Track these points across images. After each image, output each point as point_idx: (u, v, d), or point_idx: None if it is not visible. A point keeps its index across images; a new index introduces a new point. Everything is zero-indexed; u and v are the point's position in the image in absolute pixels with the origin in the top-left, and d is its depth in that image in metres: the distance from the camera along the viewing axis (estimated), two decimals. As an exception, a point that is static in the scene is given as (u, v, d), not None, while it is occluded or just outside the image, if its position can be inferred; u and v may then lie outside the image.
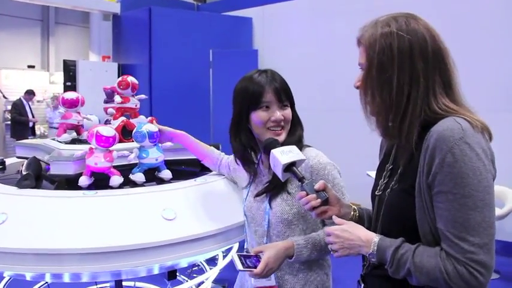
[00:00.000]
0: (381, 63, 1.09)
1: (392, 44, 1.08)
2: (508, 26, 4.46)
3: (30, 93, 9.03)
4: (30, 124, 9.00)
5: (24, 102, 8.85)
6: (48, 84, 11.12)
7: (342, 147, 4.78)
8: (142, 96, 2.21)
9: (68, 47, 11.69)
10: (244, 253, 1.35)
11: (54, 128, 9.01)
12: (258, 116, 1.49)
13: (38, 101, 10.36)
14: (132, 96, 2.14)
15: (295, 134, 1.53)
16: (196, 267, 3.19)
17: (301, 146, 1.51)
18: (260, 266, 1.34)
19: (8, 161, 2.30)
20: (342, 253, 1.16)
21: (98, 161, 1.67)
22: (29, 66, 10.92)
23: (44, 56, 11.58)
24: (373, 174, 4.44)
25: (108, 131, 1.70)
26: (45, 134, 10.04)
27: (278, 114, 1.48)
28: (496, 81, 4.48)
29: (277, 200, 1.49)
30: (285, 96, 1.50)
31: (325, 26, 5.67)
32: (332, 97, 5.56)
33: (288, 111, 1.52)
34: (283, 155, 1.30)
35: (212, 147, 1.88)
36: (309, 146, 1.56)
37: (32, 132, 9.16)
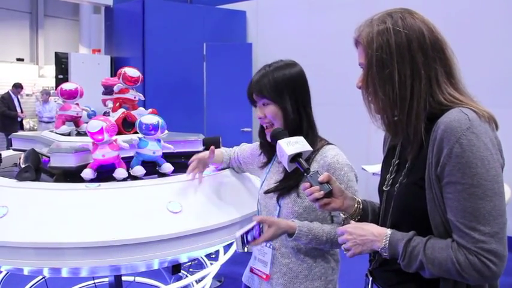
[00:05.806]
0: (381, 60, 1.09)
1: (389, 40, 1.08)
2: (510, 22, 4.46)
3: (17, 87, 8.86)
4: (19, 118, 8.87)
5: (12, 95, 8.71)
6: (37, 77, 10.98)
7: (337, 141, 4.75)
8: (140, 95, 2.16)
9: (57, 40, 11.55)
10: (246, 229, 1.34)
11: (44, 122, 8.93)
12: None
13: (28, 95, 10.22)
14: (132, 88, 2.10)
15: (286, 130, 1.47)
16: (193, 262, 3.16)
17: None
18: (260, 240, 1.38)
19: (4, 154, 2.24)
20: (355, 250, 1.14)
21: (105, 152, 1.62)
22: (18, 59, 10.77)
23: (33, 49, 11.44)
24: (368, 168, 4.42)
25: (95, 125, 1.60)
26: (35, 128, 9.91)
27: (258, 112, 1.52)
28: (500, 77, 4.48)
29: (285, 199, 1.49)
30: (257, 94, 1.50)
31: (320, 19, 5.65)
32: (327, 91, 5.55)
33: (267, 109, 1.50)
34: (289, 146, 1.30)
35: (224, 152, 1.82)
36: (331, 144, 1.56)
37: (21, 127, 9.03)
